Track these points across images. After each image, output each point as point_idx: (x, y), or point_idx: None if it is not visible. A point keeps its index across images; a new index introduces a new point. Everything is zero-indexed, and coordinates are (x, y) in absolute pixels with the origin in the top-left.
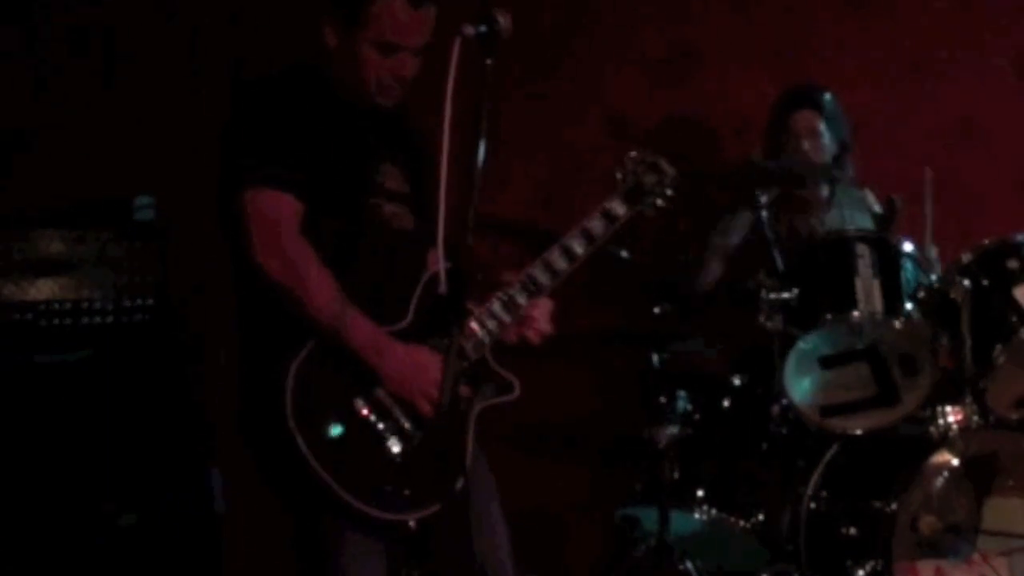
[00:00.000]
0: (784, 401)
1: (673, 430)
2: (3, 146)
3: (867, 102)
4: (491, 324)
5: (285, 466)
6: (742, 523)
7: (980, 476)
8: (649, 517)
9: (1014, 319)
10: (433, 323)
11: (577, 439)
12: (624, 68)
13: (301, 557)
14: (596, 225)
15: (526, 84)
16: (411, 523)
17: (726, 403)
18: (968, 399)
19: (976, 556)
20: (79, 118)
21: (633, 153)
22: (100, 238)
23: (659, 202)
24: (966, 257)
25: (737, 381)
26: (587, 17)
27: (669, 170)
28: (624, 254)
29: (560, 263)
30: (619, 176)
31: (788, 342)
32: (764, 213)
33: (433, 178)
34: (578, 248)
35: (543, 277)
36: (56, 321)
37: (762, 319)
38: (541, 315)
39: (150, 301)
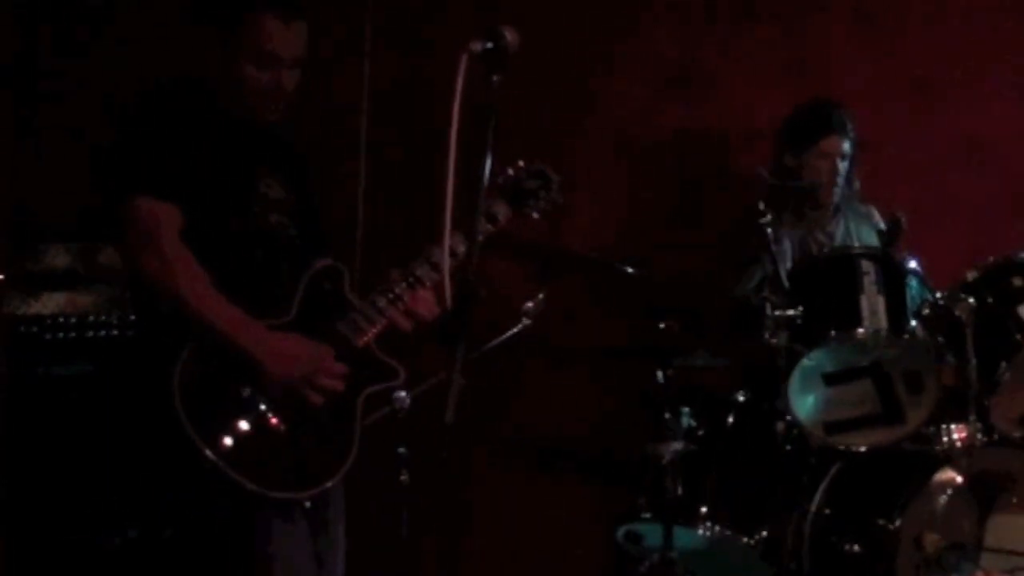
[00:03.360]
0: (788, 417)
1: (677, 446)
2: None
3: (873, 119)
4: (373, 314)
5: (184, 465)
6: (746, 539)
7: (984, 494)
8: (653, 533)
9: (1018, 336)
10: (317, 317)
11: (581, 454)
12: (633, 83)
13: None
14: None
15: (533, 99)
16: (305, 502)
17: (730, 419)
18: (972, 416)
19: (979, 574)
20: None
21: (520, 162)
22: (106, 252)
23: (543, 205)
24: (971, 275)
25: (741, 397)
26: (596, 31)
27: (554, 177)
28: (629, 270)
29: (441, 260)
30: (500, 180)
31: (793, 359)
32: (769, 230)
33: (312, 190)
34: (460, 247)
35: (422, 271)
36: (62, 334)
37: (767, 335)
38: (419, 303)
39: None
